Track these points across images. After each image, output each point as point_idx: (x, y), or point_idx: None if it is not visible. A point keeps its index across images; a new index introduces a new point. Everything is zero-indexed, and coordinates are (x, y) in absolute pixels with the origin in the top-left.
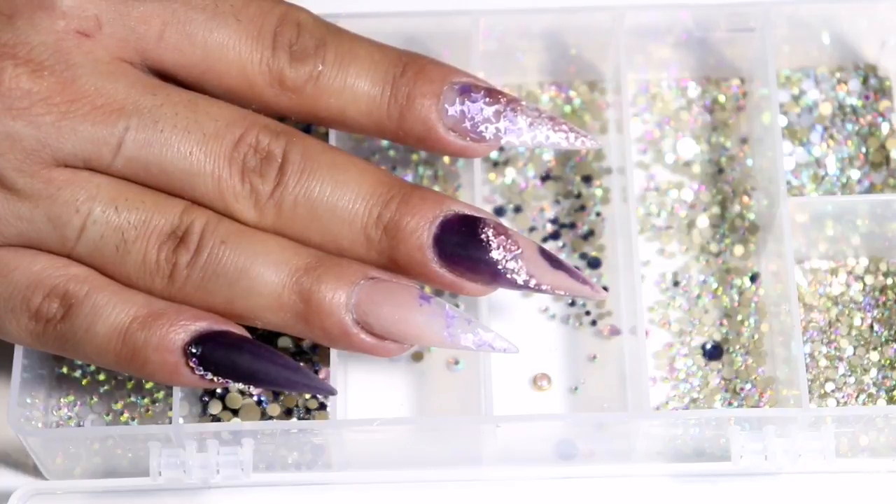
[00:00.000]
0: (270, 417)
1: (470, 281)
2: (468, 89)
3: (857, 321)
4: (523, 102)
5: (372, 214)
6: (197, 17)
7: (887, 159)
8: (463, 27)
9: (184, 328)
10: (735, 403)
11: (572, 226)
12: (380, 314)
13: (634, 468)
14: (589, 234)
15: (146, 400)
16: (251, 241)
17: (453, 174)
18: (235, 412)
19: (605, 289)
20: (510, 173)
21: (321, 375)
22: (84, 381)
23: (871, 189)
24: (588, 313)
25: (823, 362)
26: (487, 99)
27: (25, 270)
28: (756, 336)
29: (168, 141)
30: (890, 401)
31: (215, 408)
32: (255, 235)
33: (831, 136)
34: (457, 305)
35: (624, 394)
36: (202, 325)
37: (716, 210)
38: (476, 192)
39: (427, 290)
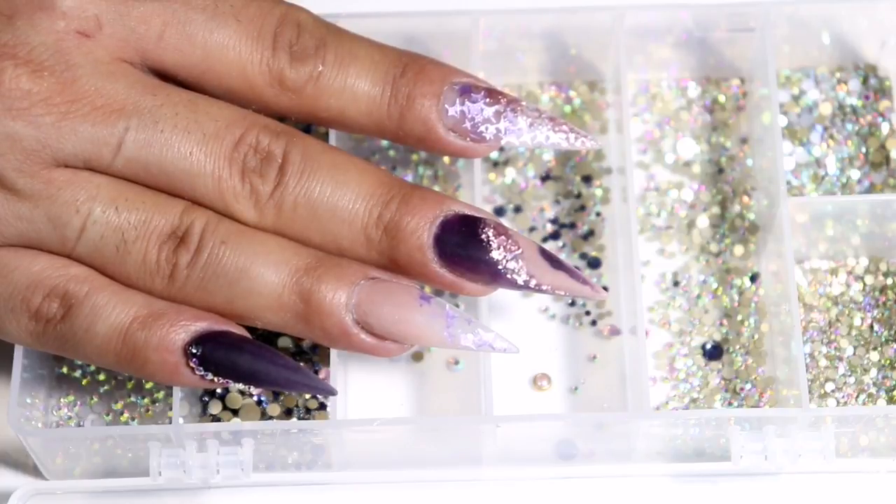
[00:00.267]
0: (270, 417)
1: (470, 281)
2: (468, 89)
3: (857, 321)
4: (523, 103)
5: (372, 215)
6: (197, 17)
7: (887, 159)
8: (463, 27)
9: (184, 328)
10: (735, 403)
11: (572, 226)
12: (380, 314)
13: (634, 468)
14: (589, 234)
15: (146, 400)
16: (251, 241)
17: (453, 174)
18: (235, 412)
19: (605, 289)
20: (510, 173)
21: (321, 375)
22: (84, 381)
23: (871, 189)
24: (588, 313)
25: (823, 362)
26: (487, 99)
27: (25, 270)
28: (756, 336)
29: (168, 141)
30: (890, 401)
31: (215, 408)
32: (255, 236)
33: (831, 136)
34: (457, 305)
35: (624, 394)
36: (202, 325)
37: (716, 210)
38: (476, 192)
39: (427, 290)
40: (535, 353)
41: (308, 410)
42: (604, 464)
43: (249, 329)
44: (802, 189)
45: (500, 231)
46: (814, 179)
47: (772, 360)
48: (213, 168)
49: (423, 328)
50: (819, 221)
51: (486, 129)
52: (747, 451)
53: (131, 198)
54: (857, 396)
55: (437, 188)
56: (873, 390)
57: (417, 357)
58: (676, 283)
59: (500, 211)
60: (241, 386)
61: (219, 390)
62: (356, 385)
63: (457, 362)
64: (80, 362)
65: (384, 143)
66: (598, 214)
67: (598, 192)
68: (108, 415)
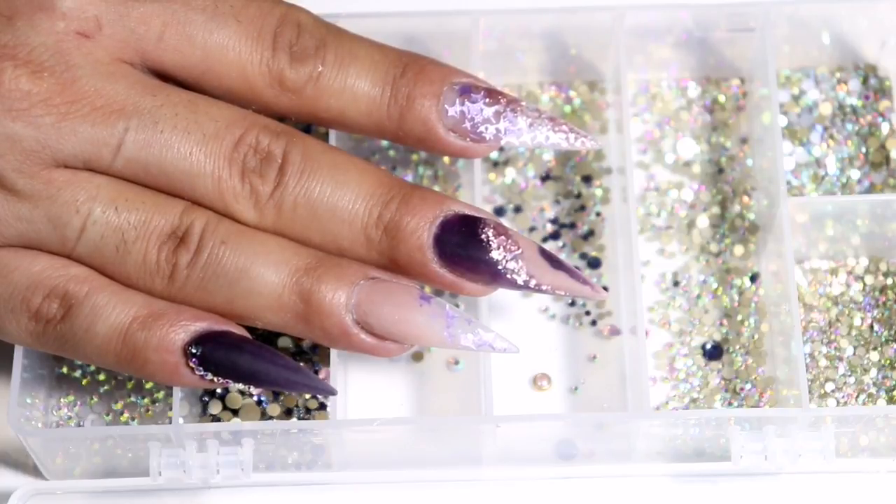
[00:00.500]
0: (270, 417)
1: (470, 281)
2: (468, 90)
3: (857, 321)
4: (523, 103)
5: (372, 215)
6: (197, 18)
7: (887, 159)
8: (463, 27)
9: (184, 328)
10: (735, 403)
11: (572, 226)
12: (380, 314)
13: (634, 468)
14: (589, 234)
15: (146, 400)
16: (251, 241)
17: (453, 174)
18: (235, 412)
19: (605, 289)
20: (510, 173)
21: (321, 375)
22: (84, 381)
23: (871, 189)
24: (588, 313)
25: (823, 362)
26: (487, 99)
27: (25, 271)
28: (756, 336)
29: (168, 141)
30: (890, 401)
31: (215, 408)
32: (255, 236)
33: (831, 136)
34: (457, 305)
35: (624, 394)
36: (202, 325)
37: (716, 210)
38: (476, 192)
39: (427, 290)
40: (535, 353)
41: (308, 410)
42: (604, 464)
43: (249, 329)
44: (802, 189)
45: (500, 231)
46: (814, 179)
47: (772, 360)
48: (212, 168)
49: (423, 328)
50: (819, 221)
51: (486, 129)
52: (747, 451)
53: (131, 198)
54: (857, 396)
55: (437, 188)
56: (873, 390)
57: (417, 357)
58: (676, 283)
59: (500, 211)
60: (240, 386)
61: (219, 390)
62: (356, 385)
63: (457, 362)
64: (80, 362)
65: (384, 142)
66: (598, 214)
67: (598, 192)
68: (108, 415)
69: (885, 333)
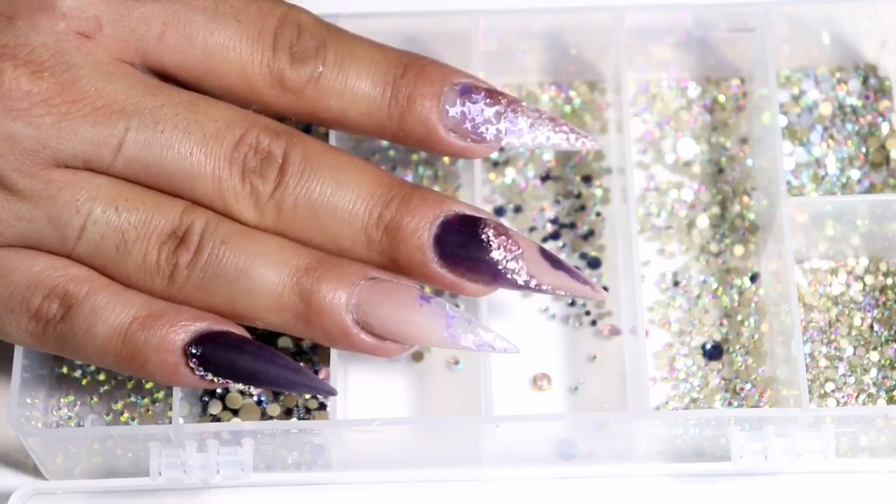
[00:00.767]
0: (270, 417)
1: (470, 281)
2: (469, 90)
3: (857, 321)
4: (524, 103)
5: (372, 215)
6: (197, 18)
7: (887, 159)
8: (463, 27)
9: (184, 328)
10: (735, 403)
11: (572, 226)
12: (380, 314)
13: (634, 468)
14: (589, 234)
15: (146, 400)
16: (251, 241)
17: (453, 174)
18: (235, 412)
19: (605, 289)
20: (510, 173)
21: (321, 375)
22: (84, 381)
23: (871, 189)
24: (588, 313)
25: (823, 362)
26: (488, 100)
27: (25, 271)
28: (756, 336)
29: (168, 141)
30: (890, 401)
31: (215, 408)
32: (255, 236)
33: (831, 136)
34: (457, 305)
35: (624, 394)
36: (202, 325)
37: (716, 210)
38: (476, 192)
39: (427, 290)
40: (535, 353)
41: (308, 410)
42: (604, 464)
43: (249, 329)
44: (802, 189)
45: (501, 231)
46: (814, 179)
47: (772, 360)
48: (213, 168)
49: (424, 328)
50: (819, 221)
51: (487, 129)
52: (747, 451)
53: (131, 198)
54: (857, 396)
55: (437, 188)
56: (873, 390)
57: (417, 357)
58: (676, 283)
59: (500, 211)
60: (240, 386)
61: (219, 390)
62: (356, 385)
63: (457, 362)
64: (80, 362)
65: (384, 143)
66: (598, 214)
67: (598, 192)
68: (108, 415)
69: (885, 333)
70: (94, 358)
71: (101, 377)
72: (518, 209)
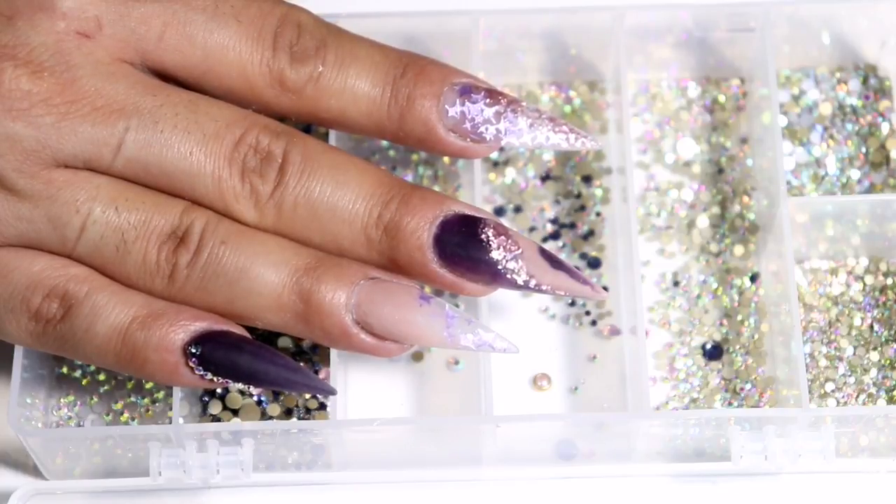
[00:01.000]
0: (270, 417)
1: (470, 281)
2: (468, 90)
3: (857, 321)
4: (524, 103)
5: (372, 215)
6: (197, 18)
7: (887, 159)
8: (463, 27)
9: (183, 328)
10: (735, 403)
11: (572, 226)
12: (380, 314)
13: (634, 468)
14: (589, 234)
15: (146, 400)
16: (251, 241)
17: (453, 174)
18: (235, 412)
19: (605, 289)
20: (510, 173)
21: (321, 375)
22: (84, 381)
23: (871, 189)
24: (588, 313)
25: (823, 362)
26: (488, 100)
27: (25, 271)
28: (756, 336)
29: (168, 141)
30: (890, 401)
31: (215, 408)
32: (255, 236)
33: (831, 136)
34: (457, 305)
35: (624, 394)
36: (202, 324)
37: (716, 210)
38: (476, 192)
39: (427, 290)
40: (535, 353)
41: (308, 410)
42: (604, 464)
43: (249, 329)
44: (802, 189)
45: (500, 231)
46: (814, 179)
47: (772, 360)
48: (213, 168)
49: (423, 328)
50: (819, 221)
51: (487, 129)
52: (747, 451)
53: (131, 198)
54: (857, 396)
55: (437, 188)
56: (873, 390)
57: (417, 357)
58: (676, 283)
59: (500, 211)
60: (240, 386)
61: (219, 390)
62: (356, 385)
63: (457, 362)
64: (80, 362)
65: (384, 143)
66: (598, 214)
67: (598, 192)
68: (108, 415)
69: (885, 333)
70: (94, 358)
71: (101, 377)
72: (518, 209)
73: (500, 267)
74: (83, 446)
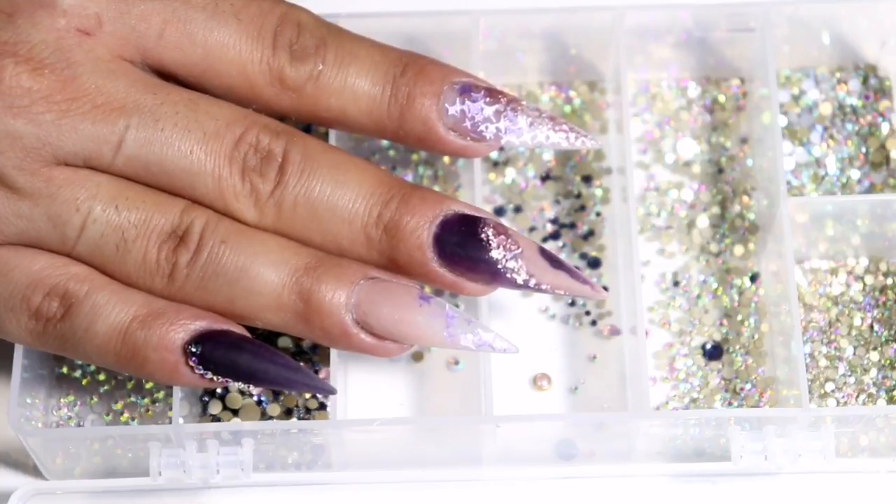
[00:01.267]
0: (270, 417)
1: (470, 281)
2: (468, 89)
3: (857, 321)
4: (524, 102)
5: (372, 214)
6: (197, 15)
7: (887, 159)
8: (463, 27)
9: (183, 327)
10: (735, 403)
11: (572, 226)
12: (380, 314)
13: (634, 468)
14: (589, 234)
15: (146, 400)
16: (251, 240)
17: (453, 174)
18: (235, 412)
19: (605, 289)
20: (510, 173)
21: (321, 375)
22: (84, 381)
23: (871, 189)
24: (588, 313)
25: (823, 362)
26: (488, 99)
27: (25, 269)
28: (756, 336)
29: (168, 139)
30: (890, 401)
31: (215, 408)
32: (255, 235)
33: (831, 136)
34: (457, 306)
35: (624, 394)
36: (202, 324)
37: (716, 210)
38: (476, 192)
39: (427, 290)
40: (535, 353)
41: (308, 410)
42: (604, 464)
43: (249, 329)
44: (802, 189)
45: (500, 230)
46: (814, 179)
47: (772, 360)
48: (213, 167)
49: (423, 328)
50: (819, 221)
51: (486, 128)
52: (747, 451)
53: (131, 197)
54: (857, 396)
55: (436, 188)
56: (873, 390)
57: (417, 357)
58: (676, 283)
59: (500, 211)
60: (240, 385)
61: (219, 390)
62: (356, 385)
63: (457, 362)
64: (80, 362)
65: (384, 143)
66: (598, 214)
67: (598, 192)
68: (108, 415)
69: (885, 333)
70: (94, 357)
71: (101, 377)
72: (518, 209)
73: (499, 266)
74: (83, 446)
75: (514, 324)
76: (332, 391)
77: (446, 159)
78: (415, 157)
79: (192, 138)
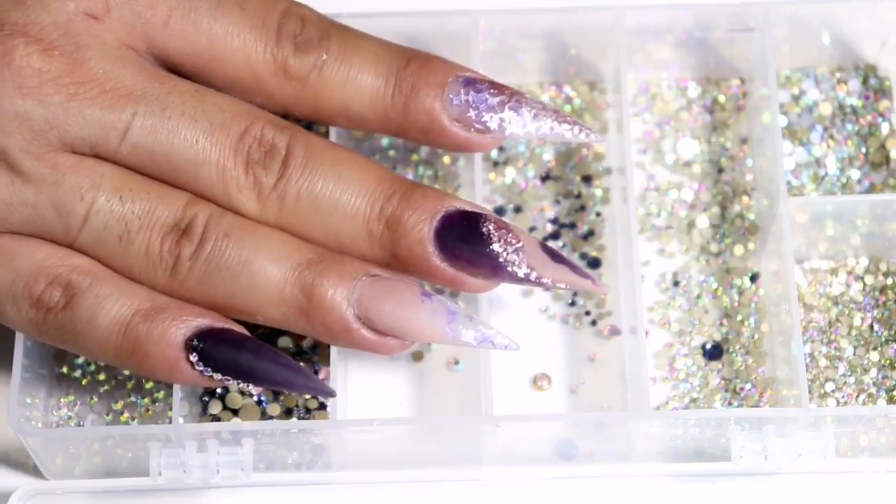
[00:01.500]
0: (270, 417)
1: (471, 275)
2: (473, 81)
3: (857, 321)
4: (527, 95)
5: (374, 209)
6: (202, 4)
7: (887, 159)
8: (463, 27)
9: (186, 323)
10: (735, 403)
11: (572, 226)
12: (381, 310)
13: (634, 468)
14: (589, 234)
15: (146, 400)
16: (254, 235)
17: (453, 174)
18: (235, 412)
19: None
20: (510, 173)
21: (321, 375)
22: (84, 381)
23: (871, 189)
24: (588, 313)
25: (823, 362)
26: (492, 90)
27: (29, 258)
28: (756, 336)
29: (175, 128)
30: (890, 401)
31: (215, 408)
32: (258, 230)
33: (831, 136)
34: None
35: (624, 394)
36: (205, 321)
37: (716, 210)
38: (476, 192)
39: (428, 288)
40: (535, 353)
41: (308, 410)
42: (604, 464)
43: (250, 330)
44: (802, 189)
45: (501, 225)
46: (814, 179)
47: (772, 360)
48: (217, 157)
49: (425, 324)
50: (819, 221)
51: (491, 118)
52: (747, 451)
53: (135, 188)
54: (857, 396)
55: (437, 188)
56: (873, 390)
57: (417, 357)
58: (676, 283)
59: (500, 211)
60: (240, 385)
61: (219, 390)
62: (356, 385)
63: (457, 362)
64: (80, 362)
65: (384, 142)
66: (598, 214)
67: (598, 192)
68: (108, 415)
69: (885, 333)
70: (93, 349)
71: (102, 377)
72: (518, 209)
73: (501, 259)
74: (83, 446)
75: (514, 324)
76: (332, 393)
77: (446, 159)
78: (415, 156)
79: (199, 128)
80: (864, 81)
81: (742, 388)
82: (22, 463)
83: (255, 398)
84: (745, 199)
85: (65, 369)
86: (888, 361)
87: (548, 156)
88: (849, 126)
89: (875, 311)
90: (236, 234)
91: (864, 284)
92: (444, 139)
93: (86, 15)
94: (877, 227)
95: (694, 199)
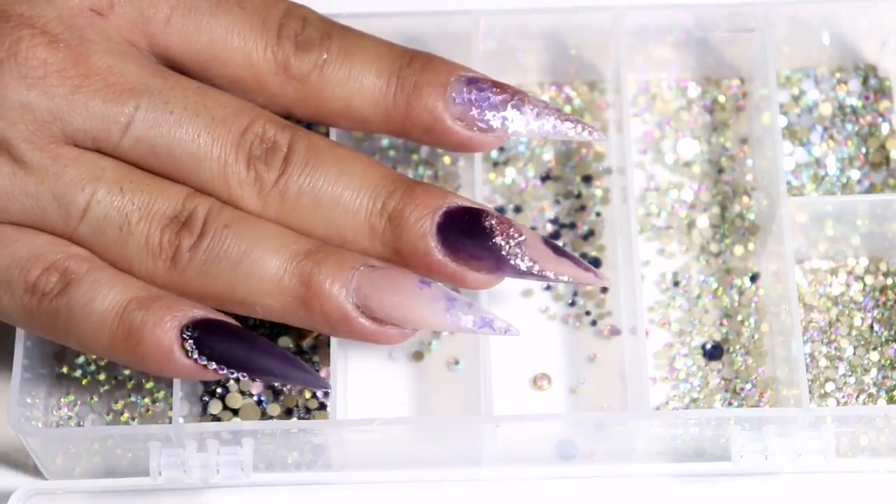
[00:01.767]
0: (270, 417)
1: (473, 270)
2: (475, 80)
3: (857, 321)
4: (529, 94)
5: (376, 205)
6: (202, 4)
7: (887, 159)
8: (463, 27)
9: (182, 311)
10: (735, 403)
11: (572, 226)
12: (380, 298)
13: (634, 468)
14: (589, 234)
15: (146, 400)
16: (254, 226)
17: (453, 174)
18: (235, 412)
19: (605, 289)
20: (510, 173)
21: (321, 375)
22: (84, 381)
23: (871, 189)
24: (588, 313)
25: (823, 362)
26: (494, 89)
27: (27, 244)
28: (756, 336)
29: (177, 122)
30: (890, 401)
31: (215, 408)
32: (257, 222)
33: (831, 137)
34: None
35: (624, 394)
36: (200, 312)
37: (716, 210)
38: (476, 192)
39: None
40: (535, 353)
41: (308, 410)
42: (604, 464)
43: (251, 330)
44: (802, 189)
45: (503, 221)
46: (814, 179)
47: (772, 360)
48: (219, 153)
49: (424, 311)
50: (819, 221)
51: (493, 117)
52: (747, 451)
53: (136, 181)
54: (857, 396)
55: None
56: (873, 390)
57: (417, 357)
58: (676, 283)
59: (500, 211)
60: (234, 374)
61: (219, 390)
62: (356, 385)
63: (457, 362)
64: (80, 362)
65: (384, 142)
66: (598, 214)
67: (598, 192)
68: (108, 415)
69: (885, 333)
70: (86, 337)
71: (102, 377)
72: (518, 209)
73: (503, 252)
74: (83, 446)
75: (515, 323)
76: (327, 386)
77: (447, 159)
78: (415, 156)
79: (200, 122)
80: (864, 82)
81: (742, 388)
82: (22, 463)
83: (255, 398)
84: (745, 199)
85: (65, 369)
86: (888, 361)
87: (548, 156)
88: (849, 126)
89: (875, 312)
90: (236, 226)
91: (864, 284)
92: (446, 138)
93: (90, 10)
94: (877, 228)
95: (694, 200)
